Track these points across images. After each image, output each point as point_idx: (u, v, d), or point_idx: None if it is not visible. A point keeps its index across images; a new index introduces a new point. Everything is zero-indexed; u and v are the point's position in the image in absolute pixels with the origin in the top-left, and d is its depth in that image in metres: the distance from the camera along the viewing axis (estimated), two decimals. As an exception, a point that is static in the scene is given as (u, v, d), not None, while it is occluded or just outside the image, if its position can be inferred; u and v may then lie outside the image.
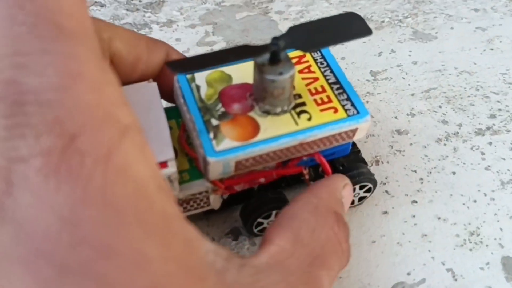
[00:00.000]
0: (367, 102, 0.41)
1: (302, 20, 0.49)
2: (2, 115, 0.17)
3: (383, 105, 0.41)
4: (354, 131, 0.29)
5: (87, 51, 0.19)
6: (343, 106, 0.28)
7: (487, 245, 0.32)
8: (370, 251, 0.32)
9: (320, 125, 0.27)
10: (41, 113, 0.17)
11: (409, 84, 0.42)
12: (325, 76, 0.30)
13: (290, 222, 0.25)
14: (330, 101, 0.29)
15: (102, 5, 0.51)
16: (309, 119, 0.28)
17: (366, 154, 0.37)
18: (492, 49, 0.45)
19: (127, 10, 0.51)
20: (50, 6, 0.18)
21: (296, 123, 0.28)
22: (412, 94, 0.42)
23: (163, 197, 0.20)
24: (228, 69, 0.30)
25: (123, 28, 0.30)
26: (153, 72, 0.31)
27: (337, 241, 0.25)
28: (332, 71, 0.30)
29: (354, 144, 0.33)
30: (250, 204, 0.31)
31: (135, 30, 0.48)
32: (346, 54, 0.45)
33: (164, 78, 0.31)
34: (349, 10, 0.50)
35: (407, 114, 0.40)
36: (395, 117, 0.40)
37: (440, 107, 0.41)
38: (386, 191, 0.35)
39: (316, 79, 0.30)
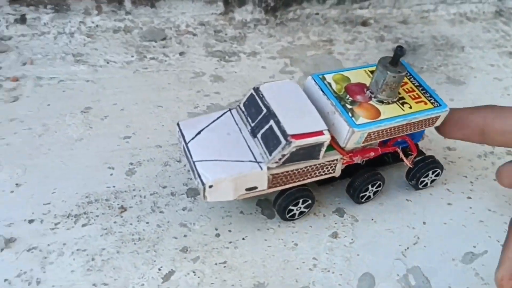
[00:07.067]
0: (421, 125, 0.52)
1: (360, 61, 0.61)
2: None
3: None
4: (437, 118, 0.40)
5: None
6: (429, 100, 0.40)
7: (527, 230, 0.43)
8: (442, 229, 0.42)
9: (418, 111, 0.39)
10: None
11: (450, 115, 0.54)
12: (411, 82, 0.42)
13: None
14: (419, 97, 0.40)
15: (194, 34, 0.61)
16: (410, 107, 0.39)
17: (427, 163, 0.48)
18: (508, 94, 0.58)
19: (216, 40, 0.61)
20: None
21: (403, 110, 0.39)
22: (454, 122, 0.53)
23: None
24: (345, 73, 0.41)
25: None
26: None
27: None
28: (415, 78, 0.42)
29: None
30: (359, 176, 0.42)
31: (226, 57, 0.59)
32: (398, 89, 0.57)
33: None
34: (394, 56, 0.62)
35: (453, 136, 0.52)
36: (444, 138, 0.51)
37: (476, 133, 0.52)
38: (448, 189, 0.46)
39: (406, 83, 0.42)
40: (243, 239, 0.40)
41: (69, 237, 0.39)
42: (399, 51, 0.37)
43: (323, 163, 0.39)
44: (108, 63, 0.56)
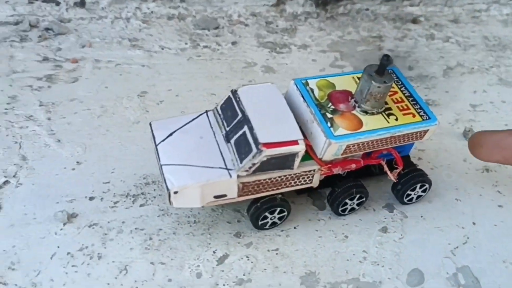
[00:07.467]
0: (471, 126, 0.52)
1: (411, 59, 0.60)
2: None
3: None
4: (426, 132, 0.38)
5: None
6: (418, 112, 0.38)
7: None
8: (492, 231, 0.42)
9: (404, 124, 0.37)
10: None
11: (502, 117, 0.54)
12: (402, 91, 0.40)
13: None
14: (408, 108, 0.38)
15: (246, 25, 0.62)
16: (396, 119, 0.37)
17: (477, 164, 0.48)
18: (562, 99, 0.58)
19: (267, 31, 0.62)
20: None
21: (387, 121, 0.37)
22: (506, 124, 0.53)
23: None
24: (331, 79, 0.39)
25: None
26: None
27: None
28: (406, 88, 0.40)
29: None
30: (338, 187, 0.40)
31: (278, 48, 0.59)
32: (449, 88, 0.57)
33: None
34: (445, 56, 0.62)
35: (504, 139, 0.51)
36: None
37: (528, 136, 0.52)
38: (498, 191, 0.46)
39: (396, 92, 0.40)
40: (295, 228, 0.41)
41: (128, 216, 0.40)
42: (385, 60, 0.35)
43: (298, 173, 0.37)
44: (162, 49, 0.57)
